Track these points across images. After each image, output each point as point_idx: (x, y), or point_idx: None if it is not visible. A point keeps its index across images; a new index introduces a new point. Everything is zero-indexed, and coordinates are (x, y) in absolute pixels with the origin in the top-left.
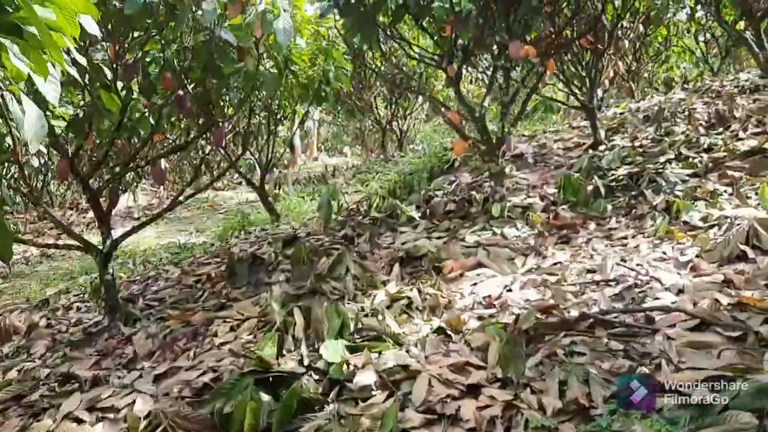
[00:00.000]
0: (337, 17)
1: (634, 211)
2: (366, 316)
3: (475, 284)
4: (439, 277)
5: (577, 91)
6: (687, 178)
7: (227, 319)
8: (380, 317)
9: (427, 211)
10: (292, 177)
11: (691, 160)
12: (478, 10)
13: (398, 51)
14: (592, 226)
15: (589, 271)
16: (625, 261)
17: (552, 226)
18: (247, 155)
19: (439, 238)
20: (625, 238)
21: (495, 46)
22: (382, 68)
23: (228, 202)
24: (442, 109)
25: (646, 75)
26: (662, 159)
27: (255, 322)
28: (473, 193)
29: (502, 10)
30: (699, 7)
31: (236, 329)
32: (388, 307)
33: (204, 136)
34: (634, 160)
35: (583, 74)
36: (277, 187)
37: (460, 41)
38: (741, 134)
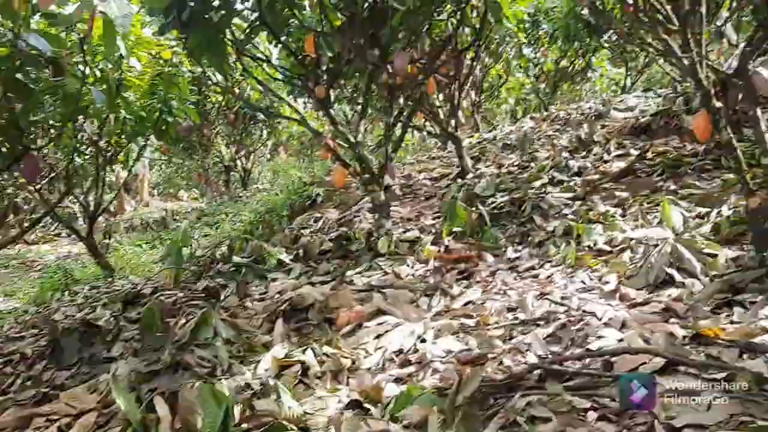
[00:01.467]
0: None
1: (529, 238)
2: (254, 394)
3: (379, 336)
4: (334, 331)
5: (443, 118)
6: (569, 201)
7: (52, 417)
8: (273, 395)
9: (300, 252)
10: (124, 224)
11: (566, 183)
12: (344, 26)
13: (242, 81)
14: (489, 257)
15: (509, 309)
16: (544, 295)
17: (446, 260)
18: (65, 201)
19: (322, 283)
20: (533, 268)
21: (369, 65)
22: (224, 101)
23: (45, 258)
24: (322, 137)
25: (486, 106)
26: (537, 184)
27: (94, 417)
28: (348, 229)
29: (368, 27)
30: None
31: (66, 431)
32: (277, 376)
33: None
34: (509, 187)
35: (446, 102)
36: (107, 237)
37: (326, 59)
38: (606, 156)
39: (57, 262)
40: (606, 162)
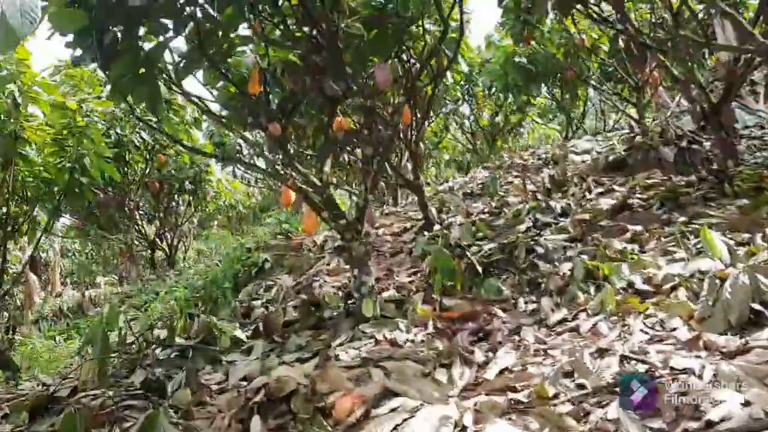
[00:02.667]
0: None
1: (542, 286)
2: None
3: (397, 427)
4: (333, 426)
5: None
6: (566, 243)
7: None
8: None
9: (260, 326)
10: (32, 314)
11: (554, 225)
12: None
13: (168, 147)
14: (499, 312)
15: (565, 375)
16: (604, 352)
17: (448, 319)
18: None
19: (299, 361)
20: (566, 320)
21: (329, 98)
22: (147, 167)
23: None
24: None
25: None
26: (522, 227)
27: None
28: (310, 294)
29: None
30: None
31: None
32: None
33: None
34: (488, 234)
35: (404, 147)
36: (12, 331)
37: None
38: (588, 195)
39: None
40: (590, 201)
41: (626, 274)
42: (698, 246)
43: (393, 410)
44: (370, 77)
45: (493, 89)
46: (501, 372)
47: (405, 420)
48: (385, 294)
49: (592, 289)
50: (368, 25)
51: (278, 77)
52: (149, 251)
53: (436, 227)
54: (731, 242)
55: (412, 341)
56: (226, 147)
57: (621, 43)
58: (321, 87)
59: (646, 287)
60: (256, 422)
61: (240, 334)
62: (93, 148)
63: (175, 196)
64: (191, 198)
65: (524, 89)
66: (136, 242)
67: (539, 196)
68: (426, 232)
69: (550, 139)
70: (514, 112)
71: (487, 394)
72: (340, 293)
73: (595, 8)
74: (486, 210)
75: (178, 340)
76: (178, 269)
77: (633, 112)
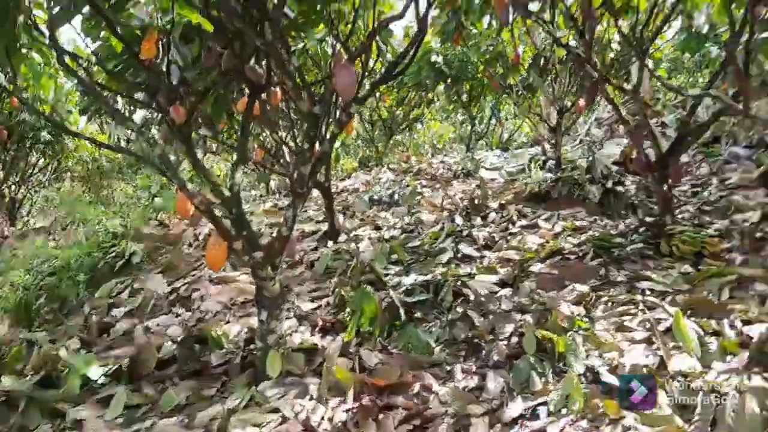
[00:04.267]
0: None
1: (481, 349)
2: None
3: None
4: None
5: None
6: (496, 288)
7: None
8: None
9: (122, 365)
10: None
11: (478, 261)
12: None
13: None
14: (433, 382)
15: None
16: None
17: (369, 387)
18: None
19: None
20: (524, 417)
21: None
22: None
23: None
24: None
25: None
26: (444, 258)
27: None
28: (192, 319)
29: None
30: None
31: None
32: None
33: None
34: (403, 259)
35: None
36: None
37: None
38: (510, 227)
39: None
40: (515, 235)
41: (583, 354)
42: (659, 326)
43: None
44: (329, 77)
45: (403, 83)
46: None
47: None
48: (299, 334)
49: (548, 371)
50: None
51: (178, 42)
52: None
53: (343, 238)
54: (698, 329)
55: (329, 420)
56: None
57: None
58: (240, 66)
59: (613, 381)
60: None
61: (95, 373)
62: None
63: (28, 145)
64: (47, 149)
65: (433, 88)
66: None
67: (457, 219)
68: (330, 242)
69: (442, 139)
70: (414, 107)
71: None
72: (235, 329)
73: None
74: (398, 225)
75: (5, 380)
76: (20, 228)
77: (546, 132)
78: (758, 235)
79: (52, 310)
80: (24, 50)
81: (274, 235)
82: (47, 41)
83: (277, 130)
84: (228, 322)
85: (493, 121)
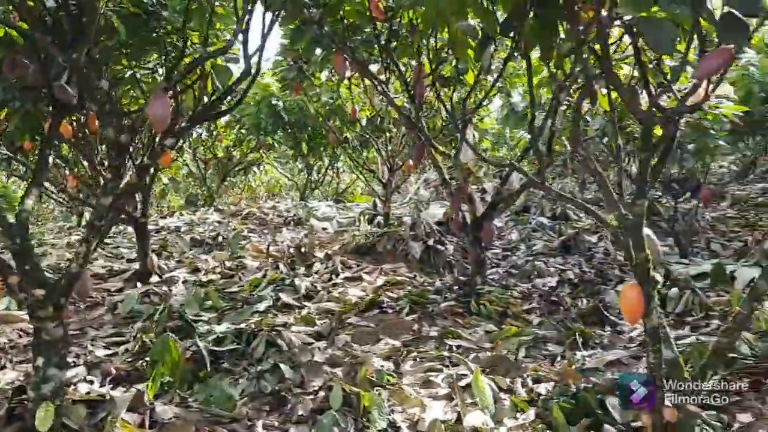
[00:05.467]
0: None
1: (287, 403)
2: None
3: None
4: None
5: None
6: (311, 340)
7: None
8: None
9: None
10: None
11: (298, 311)
12: None
13: None
14: None
15: None
16: None
17: None
18: None
19: None
20: None
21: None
22: None
23: None
24: None
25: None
26: (262, 307)
27: None
28: None
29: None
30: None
31: None
32: None
33: None
34: (218, 305)
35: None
36: None
37: None
38: (334, 278)
39: None
40: (336, 285)
41: (387, 410)
42: (460, 382)
43: None
44: (144, 108)
45: (240, 124)
46: None
47: None
48: (80, 387)
49: (350, 427)
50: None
51: None
52: None
53: (154, 279)
54: (494, 386)
55: None
56: None
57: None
58: (49, 86)
59: None
60: None
61: None
62: None
63: None
64: None
65: (273, 132)
66: None
67: (281, 267)
68: (139, 284)
69: (278, 186)
70: (252, 150)
71: None
72: (10, 376)
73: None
74: (218, 269)
75: None
76: None
77: (378, 188)
78: (553, 298)
79: None
80: None
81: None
82: None
83: (94, 157)
84: (3, 367)
85: (331, 171)
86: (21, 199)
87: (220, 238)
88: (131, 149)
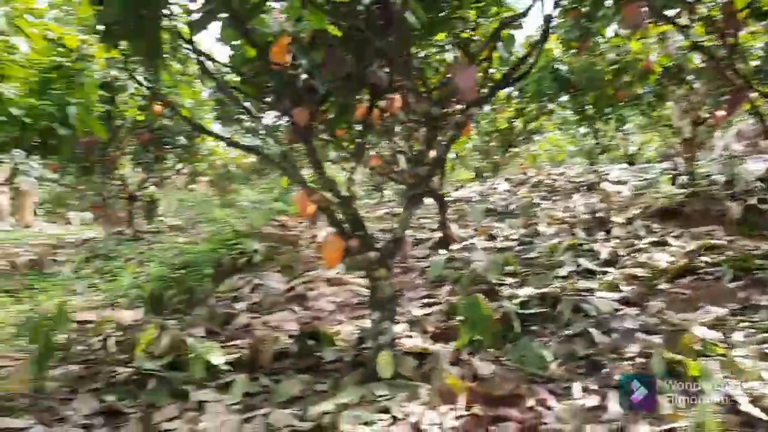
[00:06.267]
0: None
1: (602, 367)
2: None
3: None
4: None
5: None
6: (620, 306)
7: None
8: None
9: (242, 355)
10: None
11: (599, 276)
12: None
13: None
14: (549, 399)
15: None
16: None
17: (481, 396)
18: None
19: (290, 430)
20: None
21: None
22: (141, 116)
23: None
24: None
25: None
26: (562, 272)
27: None
28: (308, 317)
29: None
30: None
31: None
32: None
33: None
34: (518, 271)
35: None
36: None
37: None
38: (636, 242)
39: None
40: (639, 250)
41: (719, 382)
42: None
43: None
44: (447, 80)
45: (522, 93)
46: None
47: None
48: (410, 340)
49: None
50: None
51: (306, 48)
52: (128, 203)
53: (455, 246)
54: None
55: (440, 425)
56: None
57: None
58: (364, 71)
59: (756, 412)
60: None
61: (218, 360)
62: (82, 99)
63: (166, 149)
64: (182, 152)
65: (554, 98)
66: (113, 194)
67: (578, 232)
68: (442, 250)
69: (561, 154)
70: (532, 120)
71: None
72: (348, 329)
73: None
74: (513, 236)
75: (139, 357)
76: (156, 225)
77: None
78: None
79: (181, 300)
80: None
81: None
82: (188, 47)
83: (393, 138)
84: (341, 321)
85: (619, 133)
86: (349, 175)
87: (511, 207)
88: (440, 122)
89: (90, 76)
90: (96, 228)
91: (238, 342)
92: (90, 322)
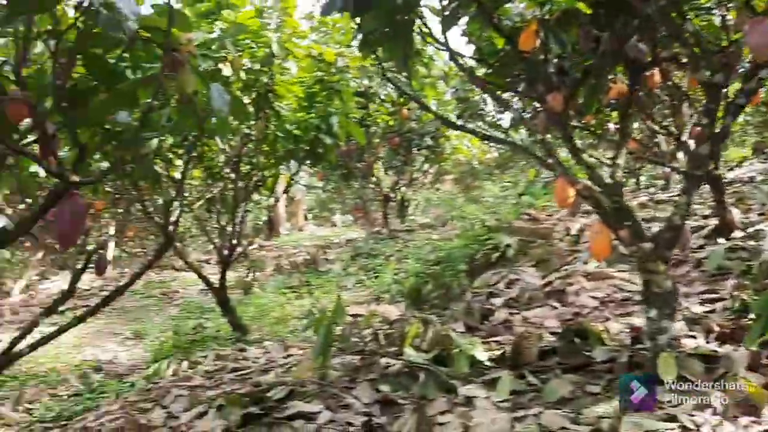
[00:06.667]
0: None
1: None
2: None
3: None
4: None
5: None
6: None
7: None
8: None
9: (505, 351)
10: (271, 262)
11: None
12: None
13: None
14: None
15: None
16: None
17: None
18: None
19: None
20: None
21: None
22: (391, 121)
23: (187, 290)
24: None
25: None
26: None
27: None
28: (570, 312)
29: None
30: None
31: None
32: None
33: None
34: None
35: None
36: (250, 274)
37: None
38: None
39: (197, 299)
40: None
41: None
42: None
43: None
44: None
45: None
46: None
47: None
48: (686, 342)
49: None
50: None
51: (555, 30)
52: (383, 204)
53: (737, 234)
54: None
55: None
56: (469, 103)
57: None
58: (620, 47)
59: None
60: None
61: (482, 355)
62: (342, 107)
63: (414, 150)
64: (429, 153)
65: None
66: (370, 197)
67: None
68: (720, 239)
69: None
70: None
71: None
72: (616, 327)
73: None
74: None
75: (407, 350)
76: (408, 223)
77: None
78: None
79: (438, 295)
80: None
81: (663, 224)
82: (440, 45)
83: (652, 116)
84: (607, 318)
85: None
86: (612, 160)
87: None
88: (724, 91)
89: (347, 85)
90: (357, 229)
91: (498, 338)
92: (360, 315)
